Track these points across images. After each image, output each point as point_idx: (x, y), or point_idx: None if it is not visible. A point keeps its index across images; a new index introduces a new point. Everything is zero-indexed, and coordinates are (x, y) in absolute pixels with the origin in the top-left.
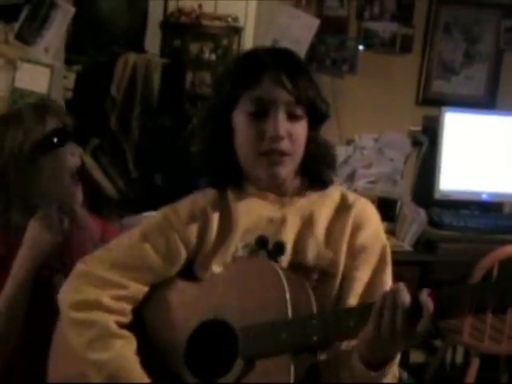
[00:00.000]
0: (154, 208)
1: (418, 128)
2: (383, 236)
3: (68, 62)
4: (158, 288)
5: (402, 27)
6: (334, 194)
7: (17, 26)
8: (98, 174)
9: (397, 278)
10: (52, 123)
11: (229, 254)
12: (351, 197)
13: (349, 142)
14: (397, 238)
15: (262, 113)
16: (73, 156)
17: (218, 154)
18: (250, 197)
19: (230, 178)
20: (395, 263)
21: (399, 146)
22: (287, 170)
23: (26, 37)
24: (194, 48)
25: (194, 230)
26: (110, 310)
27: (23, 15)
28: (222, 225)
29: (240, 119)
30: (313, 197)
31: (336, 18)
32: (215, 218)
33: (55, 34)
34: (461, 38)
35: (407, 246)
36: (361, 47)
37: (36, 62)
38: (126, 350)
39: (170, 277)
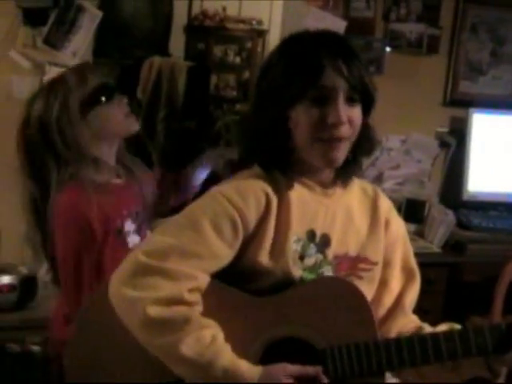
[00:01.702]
0: (181, 210)
1: (446, 129)
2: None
3: None
4: (218, 297)
5: (428, 28)
6: (354, 186)
7: (45, 30)
8: None
9: (426, 279)
10: (94, 80)
11: (287, 249)
12: (368, 188)
13: None
14: (425, 240)
15: (323, 99)
16: (119, 107)
17: (272, 138)
18: (298, 184)
19: (279, 162)
20: (424, 265)
21: (427, 148)
22: (343, 155)
23: (54, 41)
24: (218, 51)
25: (254, 212)
26: (191, 303)
27: (51, 19)
28: (280, 214)
29: (301, 107)
30: (344, 189)
31: (362, 20)
32: (275, 203)
33: (83, 38)
34: (487, 38)
35: (435, 248)
36: (387, 48)
37: (64, 65)
38: (218, 339)
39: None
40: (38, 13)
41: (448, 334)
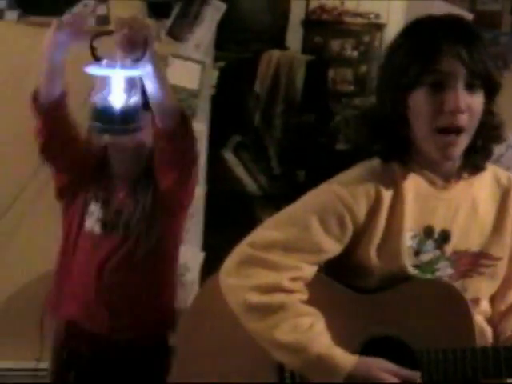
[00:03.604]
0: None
1: None
2: None
3: None
4: (323, 291)
5: None
6: (486, 174)
7: (168, 22)
8: (239, 171)
9: None
10: None
11: (400, 245)
12: (503, 176)
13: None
14: None
15: (440, 85)
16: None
17: (392, 126)
18: (417, 177)
19: (399, 151)
20: None
21: None
22: (461, 150)
23: (178, 33)
24: (335, 45)
25: (364, 208)
26: (290, 291)
27: (175, 12)
28: (393, 208)
29: (418, 94)
30: (471, 179)
31: (489, 13)
32: (387, 198)
33: (206, 30)
34: None
35: None
36: None
37: (187, 58)
38: (315, 327)
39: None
40: (163, 5)
41: None
